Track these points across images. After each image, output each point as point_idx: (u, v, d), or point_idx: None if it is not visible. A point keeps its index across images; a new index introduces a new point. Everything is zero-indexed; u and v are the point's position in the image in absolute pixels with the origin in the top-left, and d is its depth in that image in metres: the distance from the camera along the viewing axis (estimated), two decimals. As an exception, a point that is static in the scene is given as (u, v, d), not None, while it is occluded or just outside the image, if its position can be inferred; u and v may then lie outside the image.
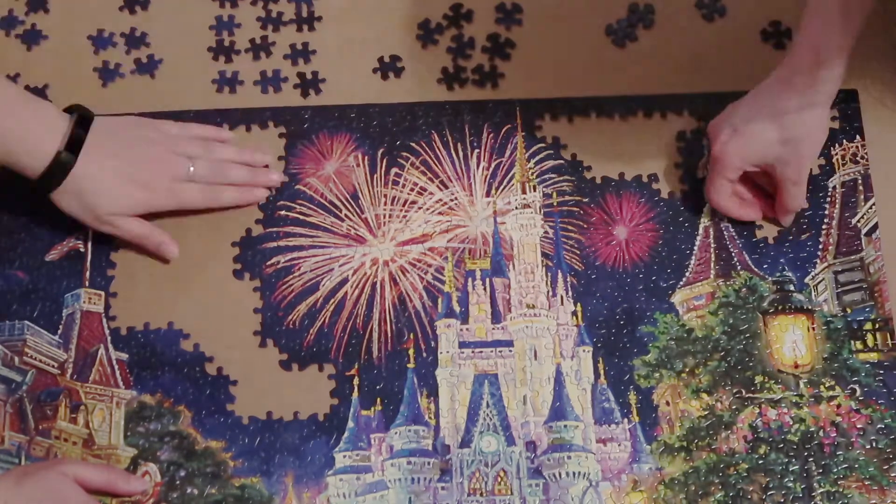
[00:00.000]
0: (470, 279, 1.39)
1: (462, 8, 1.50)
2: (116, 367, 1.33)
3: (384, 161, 1.43)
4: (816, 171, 1.41)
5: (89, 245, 1.38)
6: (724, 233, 1.39)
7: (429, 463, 1.30)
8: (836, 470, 1.28)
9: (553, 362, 1.35)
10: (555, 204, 1.41)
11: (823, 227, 1.39)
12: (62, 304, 1.36)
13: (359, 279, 1.38)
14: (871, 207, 1.40)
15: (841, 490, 1.27)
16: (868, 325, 1.35)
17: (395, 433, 1.31)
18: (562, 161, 1.43)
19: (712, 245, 1.39)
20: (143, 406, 1.32)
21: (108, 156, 1.32)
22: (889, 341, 1.34)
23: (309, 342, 1.35)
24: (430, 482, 1.30)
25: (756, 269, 1.38)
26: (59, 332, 1.35)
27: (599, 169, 1.42)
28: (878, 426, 1.30)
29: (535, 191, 1.41)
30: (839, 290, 1.36)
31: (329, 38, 1.50)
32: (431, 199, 1.41)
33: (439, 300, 1.37)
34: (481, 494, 1.29)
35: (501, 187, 1.42)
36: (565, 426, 1.32)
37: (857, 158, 1.42)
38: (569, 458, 1.30)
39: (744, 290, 1.36)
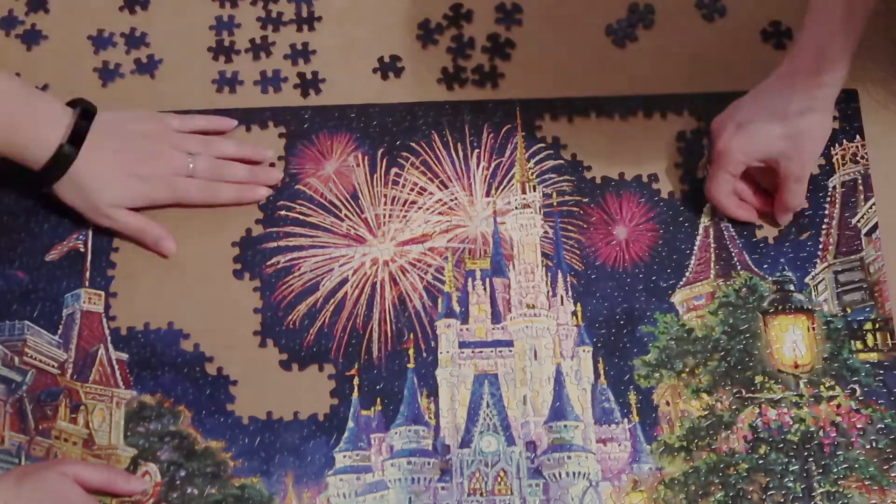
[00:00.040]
0: (470, 279, 1.39)
1: (462, 8, 1.50)
2: (116, 367, 1.33)
3: (384, 161, 1.43)
4: (816, 171, 1.41)
5: (89, 245, 1.38)
6: (724, 233, 1.39)
7: (429, 463, 1.30)
8: (836, 470, 1.28)
9: (553, 362, 1.35)
10: (555, 204, 1.41)
11: (823, 227, 1.39)
12: (62, 304, 1.36)
13: (359, 279, 1.38)
14: (871, 207, 1.40)
15: (841, 490, 1.27)
16: (868, 325, 1.35)
17: (395, 433, 1.31)
18: (562, 161, 1.43)
19: (712, 245, 1.39)
20: (143, 406, 1.32)
21: (110, 149, 1.33)
22: (889, 341, 1.34)
23: (309, 342, 1.35)
24: (430, 482, 1.30)
25: (756, 269, 1.38)
26: (59, 332, 1.35)
27: (599, 169, 1.42)
28: (878, 426, 1.30)
29: (535, 191, 1.41)
30: (839, 290, 1.36)
31: (329, 38, 1.50)
32: (431, 199, 1.41)
33: (439, 300, 1.37)
34: (481, 494, 1.29)
35: (501, 187, 1.42)
36: (565, 426, 1.32)
37: (857, 158, 1.42)
38: (569, 458, 1.30)
39: (744, 290, 1.36)
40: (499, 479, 1.30)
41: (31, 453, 1.29)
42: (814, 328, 1.35)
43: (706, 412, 1.31)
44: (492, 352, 1.36)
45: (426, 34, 1.49)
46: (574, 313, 1.37)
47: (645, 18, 1.50)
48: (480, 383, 1.34)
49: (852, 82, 1.44)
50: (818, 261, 1.38)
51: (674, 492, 1.28)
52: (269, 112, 1.45)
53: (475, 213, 1.41)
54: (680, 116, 1.44)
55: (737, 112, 1.34)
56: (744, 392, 1.32)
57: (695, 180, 1.41)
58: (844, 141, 1.43)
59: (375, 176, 1.42)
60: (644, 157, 1.43)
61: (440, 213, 1.41)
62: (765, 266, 1.38)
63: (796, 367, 1.33)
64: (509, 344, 1.36)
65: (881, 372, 1.32)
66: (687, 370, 1.33)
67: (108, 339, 1.34)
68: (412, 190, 1.42)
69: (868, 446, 1.29)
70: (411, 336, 1.35)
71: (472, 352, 1.36)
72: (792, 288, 1.36)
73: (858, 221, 1.39)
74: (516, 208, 1.41)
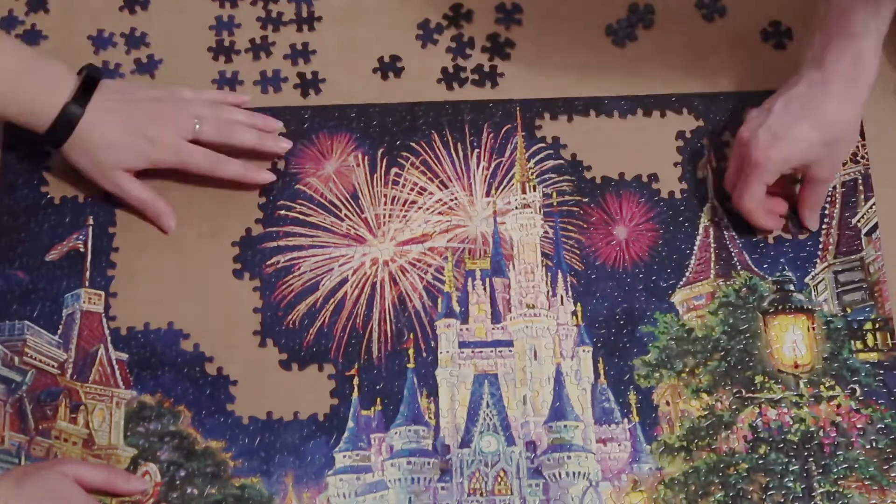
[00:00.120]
0: (470, 279, 1.39)
1: (462, 8, 1.50)
2: (116, 367, 1.33)
3: (384, 161, 1.43)
4: (816, 171, 1.42)
5: (89, 245, 1.38)
6: (724, 233, 1.39)
7: (429, 463, 1.30)
8: (836, 470, 1.28)
9: (553, 362, 1.35)
10: (555, 204, 1.41)
11: (823, 226, 1.39)
12: (62, 304, 1.36)
13: (359, 279, 1.38)
14: (871, 207, 1.40)
15: (841, 490, 1.27)
16: (868, 325, 1.35)
17: (395, 433, 1.31)
18: (562, 161, 1.43)
19: (712, 245, 1.39)
20: (143, 406, 1.32)
21: (114, 109, 1.34)
22: (889, 341, 1.34)
23: (309, 342, 1.35)
24: (430, 482, 1.30)
25: (756, 269, 1.38)
26: (59, 332, 1.35)
27: (599, 169, 1.42)
28: (878, 426, 1.30)
29: (535, 191, 1.41)
30: (839, 290, 1.36)
31: (329, 38, 1.50)
32: (431, 199, 1.41)
33: (439, 300, 1.37)
34: (481, 494, 1.29)
35: (501, 187, 1.42)
36: (565, 426, 1.32)
37: (857, 158, 1.42)
38: (569, 458, 1.30)
39: (744, 289, 1.36)
40: (499, 479, 1.30)
41: (31, 453, 1.29)
42: (814, 328, 1.35)
43: (706, 412, 1.31)
44: (492, 352, 1.36)
45: (426, 34, 1.49)
46: (574, 313, 1.37)
47: (645, 18, 1.50)
48: (480, 383, 1.34)
49: (852, 82, 1.44)
50: (818, 261, 1.38)
51: (674, 492, 1.28)
52: (269, 112, 1.44)
53: (475, 213, 1.41)
54: (680, 116, 1.44)
55: (768, 120, 1.33)
56: (744, 392, 1.32)
57: (695, 180, 1.41)
58: (844, 141, 1.43)
59: (375, 176, 1.42)
60: (644, 157, 1.43)
61: (440, 213, 1.41)
62: (765, 266, 1.38)
63: (796, 367, 1.33)
64: (509, 344, 1.36)
65: (881, 372, 1.32)
66: (687, 370, 1.33)
67: (108, 339, 1.34)
68: (412, 190, 1.42)
69: (868, 446, 1.29)
70: (411, 336, 1.35)
71: (472, 352, 1.36)
72: (792, 288, 1.36)
73: (858, 221, 1.39)
74: (516, 208, 1.41)
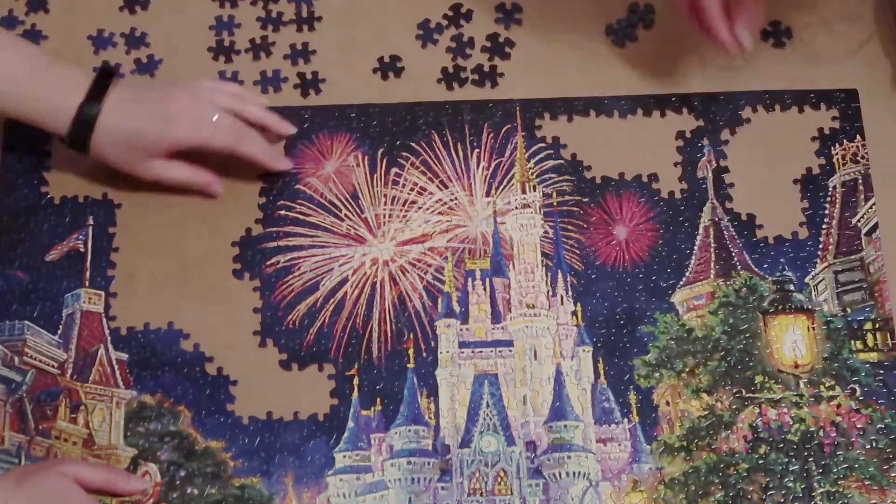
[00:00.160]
0: (470, 279, 1.39)
1: (462, 8, 1.50)
2: (116, 367, 1.33)
3: (384, 161, 1.43)
4: (816, 171, 1.41)
5: (89, 245, 1.38)
6: (724, 233, 1.39)
7: (429, 463, 1.30)
8: (836, 470, 1.28)
9: (553, 362, 1.35)
10: (555, 204, 1.41)
11: (823, 226, 1.39)
12: (62, 304, 1.36)
13: (359, 279, 1.38)
14: (871, 207, 1.40)
15: (841, 490, 1.27)
16: (868, 325, 1.35)
17: (395, 433, 1.31)
18: (562, 161, 1.43)
19: (712, 245, 1.39)
20: (143, 406, 1.32)
21: (130, 99, 1.33)
22: (889, 341, 1.34)
23: (309, 342, 1.35)
24: (430, 482, 1.30)
25: (756, 269, 1.38)
26: (59, 332, 1.35)
27: (599, 169, 1.42)
28: (878, 426, 1.30)
29: (535, 191, 1.41)
30: (839, 290, 1.36)
31: (329, 38, 1.50)
32: (431, 199, 1.41)
33: (439, 300, 1.37)
34: (481, 494, 1.29)
35: (501, 187, 1.42)
36: (565, 426, 1.32)
37: (857, 158, 1.42)
38: (569, 458, 1.30)
39: (744, 289, 1.36)
40: (499, 479, 1.30)
41: (31, 453, 1.29)
42: (814, 328, 1.35)
43: (706, 412, 1.31)
44: (492, 352, 1.36)
45: (426, 34, 1.49)
46: (574, 313, 1.37)
47: (645, 18, 1.50)
48: (480, 383, 1.34)
49: (852, 82, 1.44)
50: (818, 261, 1.38)
51: (674, 492, 1.28)
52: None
53: (475, 213, 1.41)
54: (680, 116, 1.44)
55: None
56: (744, 392, 1.32)
57: (695, 180, 1.41)
58: (844, 141, 1.43)
59: (375, 176, 1.42)
60: (644, 157, 1.43)
61: (440, 213, 1.41)
62: (765, 266, 1.38)
63: (796, 367, 1.33)
64: (509, 344, 1.36)
65: (881, 372, 1.32)
66: (687, 370, 1.33)
67: (108, 339, 1.34)
68: (412, 190, 1.42)
69: (868, 446, 1.29)
70: (411, 336, 1.35)
71: (472, 352, 1.36)
72: (792, 288, 1.36)
73: (858, 221, 1.39)
74: (516, 208, 1.41)
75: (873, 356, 1.33)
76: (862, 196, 1.41)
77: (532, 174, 1.42)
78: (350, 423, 1.31)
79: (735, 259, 1.38)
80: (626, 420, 1.32)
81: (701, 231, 1.40)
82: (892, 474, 1.28)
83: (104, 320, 1.35)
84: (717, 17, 1.32)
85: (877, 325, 1.35)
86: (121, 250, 1.38)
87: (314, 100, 1.46)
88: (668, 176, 1.42)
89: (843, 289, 1.36)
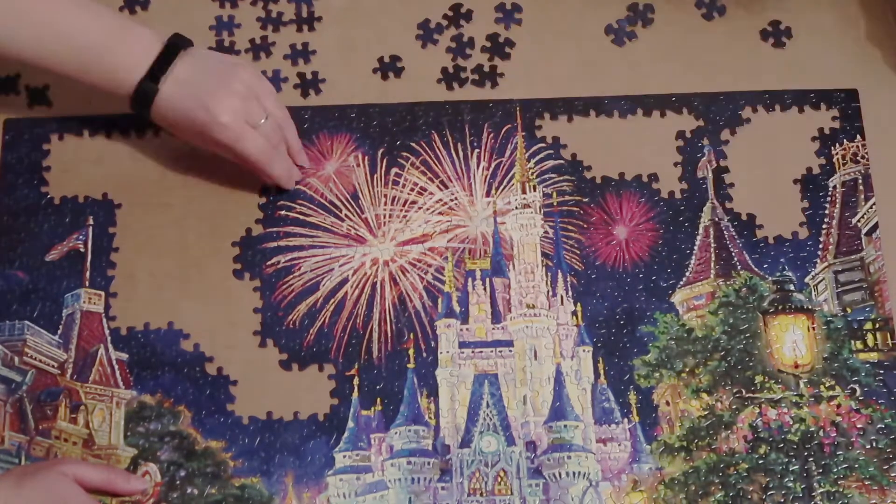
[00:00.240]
0: (470, 279, 1.39)
1: (462, 8, 1.50)
2: (116, 367, 1.33)
3: (384, 161, 1.43)
4: (817, 171, 1.41)
5: (89, 245, 1.38)
6: (724, 233, 1.39)
7: (429, 463, 1.30)
8: (836, 470, 1.28)
9: (553, 362, 1.35)
10: (555, 204, 1.41)
11: (823, 226, 1.39)
12: (62, 304, 1.36)
13: (359, 279, 1.38)
14: (871, 207, 1.40)
15: (841, 490, 1.27)
16: (868, 325, 1.35)
17: (395, 433, 1.31)
18: (562, 161, 1.43)
19: (712, 245, 1.39)
20: (143, 406, 1.32)
21: (189, 83, 1.32)
22: (889, 341, 1.34)
23: (309, 342, 1.35)
24: (430, 482, 1.30)
25: (756, 269, 1.38)
26: (59, 332, 1.35)
27: (599, 169, 1.42)
28: (878, 426, 1.30)
29: (535, 191, 1.41)
30: (839, 290, 1.36)
31: (329, 38, 1.50)
32: (431, 199, 1.41)
33: (439, 300, 1.37)
34: (481, 494, 1.29)
35: (501, 187, 1.42)
36: (565, 426, 1.32)
37: (858, 158, 1.42)
38: (569, 458, 1.30)
39: (744, 289, 1.36)
40: (499, 479, 1.30)
41: (31, 453, 1.29)
42: (814, 328, 1.35)
43: (706, 412, 1.31)
44: (492, 352, 1.36)
45: (426, 34, 1.49)
46: (574, 313, 1.37)
47: (645, 18, 1.50)
48: (480, 383, 1.34)
49: (852, 82, 1.44)
50: (818, 261, 1.38)
51: (674, 492, 1.28)
52: (269, 112, 1.45)
53: (475, 213, 1.41)
54: (680, 116, 1.44)
55: None
56: (744, 392, 1.32)
57: (695, 180, 1.41)
58: (844, 141, 1.43)
59: (375, 176, 1.42)
60: (644, 157, 1.43)
61: (440, 213, 1.41)
62: (765, 266, 1.38)
63: (796, 367, 1.33)
64: (509, 344, 1.36)
65: (881, 372, 1.32)
66: (687, 370, 1.33)
67: (108, 339, 1.34)
68: (412, 190, 1.42)
69: (868, 446, 1.29)
70: (411, 336, 1.35)
71: (472, 352, 1.36)
72: (792, 288, 1.36)
73: (858, 221, 1.39)
74: (516, 208, 1.41)
75: (873, 356, 1.33)
76: (862, 196, 1.41)
77: (532, 174, 1.42)
78: (350, 423, 1.31)
79: (735, 259, 1.38)
80: (626, 420, 1.32)
81: (701, 231, 1.40)
82: (892, 474, 1.28)
83: (104, 320, 1.35)
84: None
85: (877, 325, 1.35)
86: (121, 250, 1.38)
87: (314, 100, 1.46)
88: (668, 176, 1.42)
89: (843, 289, 1.36)
